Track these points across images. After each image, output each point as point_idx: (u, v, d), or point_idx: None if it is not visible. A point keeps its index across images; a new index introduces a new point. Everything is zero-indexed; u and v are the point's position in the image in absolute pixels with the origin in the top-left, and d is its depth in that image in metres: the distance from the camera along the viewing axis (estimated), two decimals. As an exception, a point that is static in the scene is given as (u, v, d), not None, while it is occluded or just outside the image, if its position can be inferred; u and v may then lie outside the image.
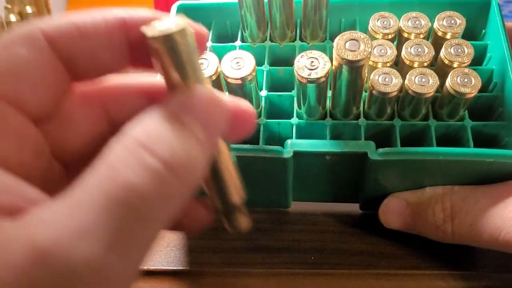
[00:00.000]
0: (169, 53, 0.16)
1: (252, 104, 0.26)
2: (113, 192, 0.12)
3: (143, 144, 0.14)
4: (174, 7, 0.31)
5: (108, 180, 0.13)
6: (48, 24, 0.16)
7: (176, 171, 0.14)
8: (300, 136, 0.26)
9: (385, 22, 0.27)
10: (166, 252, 0.28)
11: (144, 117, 0.15)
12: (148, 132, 0.14)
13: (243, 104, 0.18)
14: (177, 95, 0.16)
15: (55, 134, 0.17)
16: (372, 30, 0.27)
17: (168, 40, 0.16)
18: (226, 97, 0.17)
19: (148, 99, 0.19)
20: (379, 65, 0.26)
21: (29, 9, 0.46)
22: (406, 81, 0.25)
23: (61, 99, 0.17)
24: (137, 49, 0.17)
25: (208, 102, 0.16)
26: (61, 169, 0.18)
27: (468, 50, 0.26)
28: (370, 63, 0.26)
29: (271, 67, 0.29)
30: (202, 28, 0.19)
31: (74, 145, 0.18)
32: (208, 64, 0.25)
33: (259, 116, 0.27)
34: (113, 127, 0.19)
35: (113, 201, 0.12)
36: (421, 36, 0.27)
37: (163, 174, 0.13)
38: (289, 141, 0.25)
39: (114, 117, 0.19)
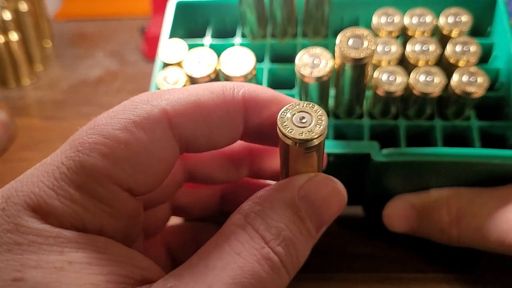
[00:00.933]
0: (303, 154, 0.16)
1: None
2: (240, 279, 0.14)
3: (267, 240, 0.15)
4: (172, 4, 0.30)
5: (237, 268, 0.14)
6: (172, 105, 0.16)
7: (291, 269, 0.16)
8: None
9: (389, 19, 0.27)
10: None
11: (266, 203, 0.16)
12: (269, 225, 0.16)
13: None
14: (298, 182, 0.17)
15: (146, 199, 0.18)
16: (376, 27, 0.27)
17: (307, 145, 0.16)
18: (341, 185, 0.18)
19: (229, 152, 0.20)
20: (383, 63, 0.25)
21: (24, 7, 0.46)
22: (410, 80, 0.24)
23: (168, 174, 0.17)
24: (251, 127, 0.18)
25: (328, 195, 0.17)
26: None
27: (474, 48, 0.25)
28: (374, 61, 0.25)
29: (272, 65, 0.28)
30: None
31: (156, 192, 0.19)
32: (206, 62, 0.25)
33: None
34: (191, 173, 0.21)
35: (239, 287, 0.14)
36: (426, 33, 0.26)
37: (281, 269, 0.15)
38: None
39: (193, 166, 0.21)
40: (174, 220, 0.24)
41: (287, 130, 0.15)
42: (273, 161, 0.21)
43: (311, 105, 0.16)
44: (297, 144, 0.16)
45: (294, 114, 0.16)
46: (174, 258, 0.23)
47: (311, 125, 0.16)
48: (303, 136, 0.15)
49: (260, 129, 0.18)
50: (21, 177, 0.15)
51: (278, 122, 0.16)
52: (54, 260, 0.14)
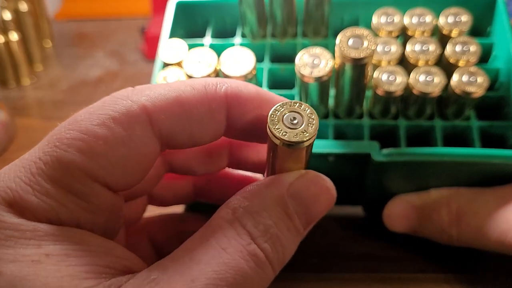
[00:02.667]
0: (293, 153, 0.16)
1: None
2: (224, 274, 0.14)
3: (254, 237, 0.15)
4: (172, 4, 0.30)
5: (221, 263, 0.14)
6: (152, 101, 0.16)
7: (277, 266, 0.16)
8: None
9: (389, 19, 0.27)
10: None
11: (255, 199, 0.16)
12: (256, 222, 0.15)
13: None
14: (287, 179, 0.17)
15: (128, 193, 0.18)
16: (376, 27, 0.27)
17: (298, 146, 0.15)
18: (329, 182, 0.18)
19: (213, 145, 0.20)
20: (383, 63, 0.25)
21: (24, 7, 0.46)
22: (410, 80, 0.24)
23: (149, 170, 0.17)
24: (234, 124, 0.17)
25: (317, 193, 0.17)
26: None
27: (474, 48, 0.25)
28: (374, 61, 0.25)
29: (272, 65, 0.28)
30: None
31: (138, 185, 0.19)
32: (206, 62, 0.25)
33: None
34: (171, 164, 0.21)
35: (223, 282, 0.14)
36: (426, 33, 0.26)
37: (267, 266, 0.15)
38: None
39: (174, 159, 0.20)
40: (157, 211, 0.24)
41: (280, 133, 0.15)
42: (252, 152, 0.21)
43: (298, 104, 0.16)
44: (289, 146, 0.15)
45: (285, 114, 0.16)
46: (158, 250, 0.23)
47: (303, 125, 0.15)
48: (297, 138, 0.15)
49: (244, 126, 0.17)
50: None
51: (269, 124, 0.15)
52: (31, 254, 0.13)
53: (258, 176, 0.23)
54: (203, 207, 0.24)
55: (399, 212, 0.26)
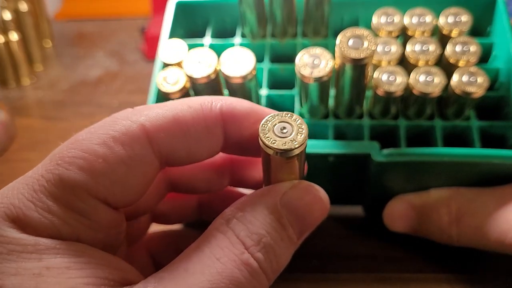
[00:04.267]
0: (285, 162, 0.17)
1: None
2: (218, 284, 0.15)
3: (247, 246, 0.16)
4: (171, 4, 0.30)
5: (215, 273, 0.15)
6: (150, 120, 0.16)
7: (271, 275, 0.16)
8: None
9: (389, 19, 0.27)
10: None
11: (248, 209, 0.16)
12: (250, 231, 0.16)
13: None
14: (280, 189, 0.17)
15: (130, 211, 0.19)
16: (376, 27, 0.27)
17: (289, 155, 0.16)
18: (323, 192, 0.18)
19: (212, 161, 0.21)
20: (383, 63, 0.25)
21: (24, 7, 0.46)
22: (410, 80, 0.24)
23: (148, 188, 0.17)
24: (230, 140, 0.18)
25: (310, 203, 0.17)
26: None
27: (474, 48, 0.25)
28: (374, 61, 0.25)
29: (272, 65, 0.28)
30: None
31: (139, 204, 0.19)
32: (206, 62, 0.25)
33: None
34: (173, 183, 0.21)
35: None
36: (426, 33, 0.26)
37: (261, 275, 0.16)
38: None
39: (175, 177, 0.21)
40: (157, 227, 0.25)
41: (270, 141, 0.16)
42: (254, 170, 0.21)
43: (289, 115, 0.16)
44: (279, 154, 0.16)
45: (275, 124, 0.16)
46: (158, 265, 0.24)
47: (292, 134, 0.16)
48: (286, 146, 0.16)
49: (240, 141, 0.18)
50: (3, 189, 0.16)
51: (260, 133, 0.16)
52: (33, 267, 0.14)
53: None
54: (204, 223, 0.24)
55: (399, 212, 0.26)
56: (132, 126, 0.16)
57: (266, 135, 0.16)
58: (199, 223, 0.25)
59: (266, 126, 0.16)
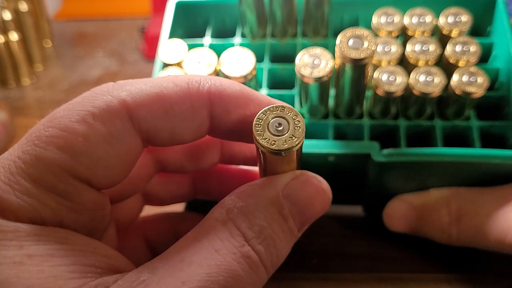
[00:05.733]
0: (281, 159, 0.16)
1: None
2: (216, 277, 0.14)
3: (248, 238, 0.15)
4: (171, 4, 0.30)
5: (213, 266, 0.14)
6: (132, 96, 0.15)
7: (270, 268, 0.16)
8: (301, 136, 0.26)
9: (389, 19, 0.27)
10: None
11: (249, 200, 0.16)
12: (251, 223, 0.15)
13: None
14: (283, 180, 0.16)
15: (117, 192, 0.18)
16: (376, 27, 0.27)
17: (285, 154, 0.15)
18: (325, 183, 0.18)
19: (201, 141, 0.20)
20: (383, 63, 0.25)
21: (24, 7, 0.46)
22: (410, 80, 0.24)
23: (132, 168, 0.17)
24: (218, 123, 0.17)
25: (312, 195, 0.17)
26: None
27: (474, 48, 0.25)
28: (374, 61, 0.25)
29: (272, 65, 0.28)
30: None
31: (126, 185, 0.19)
32: (206, 62, 0.25)
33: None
34: (162, 163, 0.20)
35: (215, 285, 0.14)
36: (426, 33, 0.26)
37: (260, 268, 0.15)
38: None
39: (164, 157, 0.20)
40: (152, 210, 0.24)
41: (268, 143, 0.15)
42: (244, 146, 0.21)
43: (281, 108, 0.15)
44: (279, 154, 0.15)
45: (269, 122, 0.15)
46: (154, 250, 0.23)
47: (290, 130, 0.15)
48: (286, 145, 0.15)
49: (228, 126, 0.17)
50: None
51: (255, 135, 0.15)
52: (13, 255, 0.13)
53: (255, 169, 0.23)
54: (202, 206, 0.24)
55: (399, 212, 0.26)
56: (112, 102, 0.15)
57: (262, 137, 0.15)
58: (197, 204, 0.25)
59: (259, 125, 0.15)
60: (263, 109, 0.16)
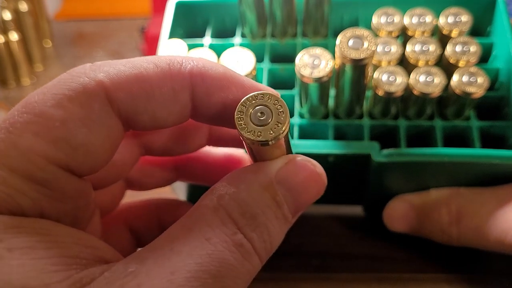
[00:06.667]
0: (266, 149, 0.15)
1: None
2: (207, 266, 0.13)
3: (240, 226, 0.14)
4: (171, 4, 0.30)
5: (204, 255, 0.14)
6: (111, 78, 0.15)
7: (264, 255, 0.15)
8: (302, 136, 0.26)
9: (389, 19, 0.27)
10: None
11: (242, 186, 0.15)
12: (243, 210, 0.15)
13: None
14: (276, 165, 0.16)
15: (100, 178, 0.18)
16: (376, 27, 0.27)
17: (268, 144, 0.15)
18: (319, 167, 0.17)
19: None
20: (383, 63, 0.25)
21: (24, 7, 0.46)
22: (411, 80, 0.24)
23: (114, 153, 0.16)
24: (200, 105, 0.16)
25: (307, 179, 0.16)
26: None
27: (474, 48, 0.25)
28: (374, 61, 0.25)
29: (272, 65, 0.28)
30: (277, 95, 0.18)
31: (110, 170, 0.18)
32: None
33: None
34: (146, 147, 0.20)
35: (206, 275, 0.13)
36: (426, 33, 0.26)
37: (253, 256, 0.15)
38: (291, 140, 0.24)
39: (148, 141, 0.19)
40: (136, 197, 0.23)
41: (249, 134, 0.14)
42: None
43: (260, 95, 0.15)
44: (256, 144, 0.15)
45: (251, 111, 0.15)
46: (138, 239, 0.22)
47: (272, 120, 0.14)
48: (274, 134, 0.14)
49: (210, 109, 0.16)
50: None
51: (237, 124, 0.14)
52: None
53: (240, 151, 0.22)
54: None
55: (399, 212, 0.26)
56: (90, 84, 0.14)
57: (247, 130, 0.14)
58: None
59: (241, 119, 0.15)
60: (242, 100, 0.15)
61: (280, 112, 0.14)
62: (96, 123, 0.15)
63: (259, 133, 0.14)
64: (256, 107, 0.15)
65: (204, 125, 0.20)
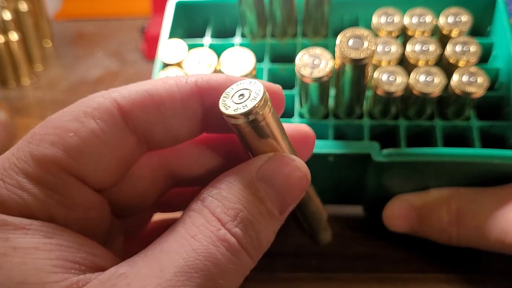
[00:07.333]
0: (250, 129, 0.16)
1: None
2: (194, 261, 0.14)
3: (223, 222, 0.15)
4: (171, 4, 0.30)
5: (190, 251, 0.14)
6: (123, 96, 0.16)
7: (253, 252, 0.15)
8: (301, 136, 0.26)
9: (389, 19, 0.27)
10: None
11: (223, 186, 0.16)
12: (226, 207, 0.15)
13: (303, 128, 0.18)
14: (256, 163, 0.16)
15: (118, 196, 0.18)
16: (376, 27, 0.27)
17: (247, 117, 0.15)
18: (301, 161, 0.17)
19: (209, 146, 0.19)
20: (383, 63, 0.25)
21: (24, 7, 0.46)
22: (410, 80, 0.24)
23: (128, 170, 0.17)
24: (211, 115, 0.17)
25: (288, 174, 0.16)
26: (117, 220, 0.19)
27: (474, 48, 0.25)
28: (374, 61, 0.25)
29: (272, 65, 0.28)
30: (277, 88, 0.18)
31: (135, 200, 0.19)
32: (206, 62, 0.25)
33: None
34: (175, 179, 0.20)
35: (193, 269, 0.14)
36: (426, 33, 0.26)
37: (240, 252, 0.15)
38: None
39: (176, 171, 0.20)
40: (159, 216, 0.23)
41: (224, 108, 0.15)
42: None
43: (247, 82, 0.16)
44: (235, 120, 0.15)
45: (234, 93, 0.16)
46: None
47: (248, 99, 0.15)
48: (236, 112, 0.15)
49: (220, 116, 0.17)
50: None
51: (220, 103, 0.16)
52: None
53: None
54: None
55: (399, 212, 0.26)
56: (104, 102, 0.16)
57: (224, 102, 0.16)
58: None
59: (226, 98, 0.16)
60: (230, 86, 0.16)
61: (255, 97, 0.15)
62: (109, 135, 0.16)
63: (236, 109, 0.15)
64: (238, 91, 0.16)
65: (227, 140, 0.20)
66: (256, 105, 0.15)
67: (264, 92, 0.15)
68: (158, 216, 0.23)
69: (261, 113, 0.15)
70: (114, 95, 0.16)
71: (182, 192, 0.22)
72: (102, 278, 0.14)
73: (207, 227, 0.15)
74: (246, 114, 0.15)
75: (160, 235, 0.23)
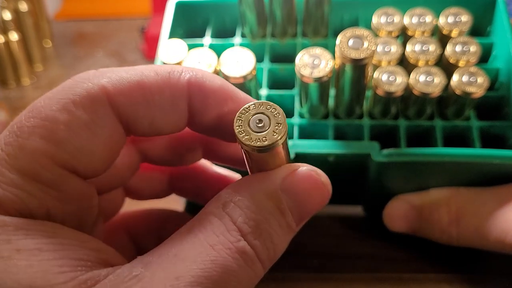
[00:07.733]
0: (266, 157, 0.16)
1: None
2: (210, 272, 0.14)
3: (244, 233, 0.15)
4: (171, 4, 0.30)
5: (208, 261, 0.14)
6: (113, 83, 0.15)
7: (267, 263, 0.15)
8: (302, 136, 0.26)
9: (389, 19, 0.27)
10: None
11: (246, 194, 0.15)
12: (247, 217, 0.15)
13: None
14: (280, 173, 0.16)
15: (103, 183, 0.18)
16: (376, 27, 0.27)
17: (267, 151, 0.15)
18: (323, 175, 0.17)
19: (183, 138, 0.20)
20: (383, 63, 0.25)
21: (24, 7, 0.46)
22: (410, 80, 0.24)
23: (117, 157, 0.17)
24: (197, 116, 0.17)
25: (312, 189, 0.17)
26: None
27: (474, 48, 0.25)
28: (374, 61, 0.25)
29: (272, 65, 0.28)
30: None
31: (113, 178, 0.19)
32: (206, 62, 0.25)
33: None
34: (145, 156, 0.20)
35: (208, 280, 0.14)
36: (426, 33, 0.26)
37: (257, 263, 0.15)
38: (290, 142, 0.24)
39: (146, 151, 0.20)
40: (137, 206, 0.24)
41: (245, 139, 0.15)
42: (229, 146, 0.20)
43: (258, 105, 0.15)
44: (263, 151, 0.15)
45: (250, 118, 0.15)
46: (138, 246, 0.23)
47: (270, 128, 0.15)
48: (263, 144, 0.15)
49: (207, 120, 0.17)
50: None
51: (235, 128, 0.15)
52: (1, 250, 0.13)
53: (236, 176, 0.23)
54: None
55: (399, 212, 0.26)
56: (93, 89, 0.15)
57: (244, 134, 0.15)
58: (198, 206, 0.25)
59: (241, 121, 0.15)
60: (244, 107, 0.15)
61: (278, 119, 0.15)
62: (99, 126, 0.15)
63: (257, 139, 0.15)
64: (255, 115, 0.15)
65: (200, 138, 0.20)
66: (279, 138, 0.15)
67: (285, 123, 0.15)
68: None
69: (281, 144, 0.15)
70: (103, 82, 0.15)
71: (151, 181, 0.23)
72: (114, 279, 0.14)
73: (228, 237, 0.15)
74: (267, 149, 0.15)
75: (138, 225, 0.23)
